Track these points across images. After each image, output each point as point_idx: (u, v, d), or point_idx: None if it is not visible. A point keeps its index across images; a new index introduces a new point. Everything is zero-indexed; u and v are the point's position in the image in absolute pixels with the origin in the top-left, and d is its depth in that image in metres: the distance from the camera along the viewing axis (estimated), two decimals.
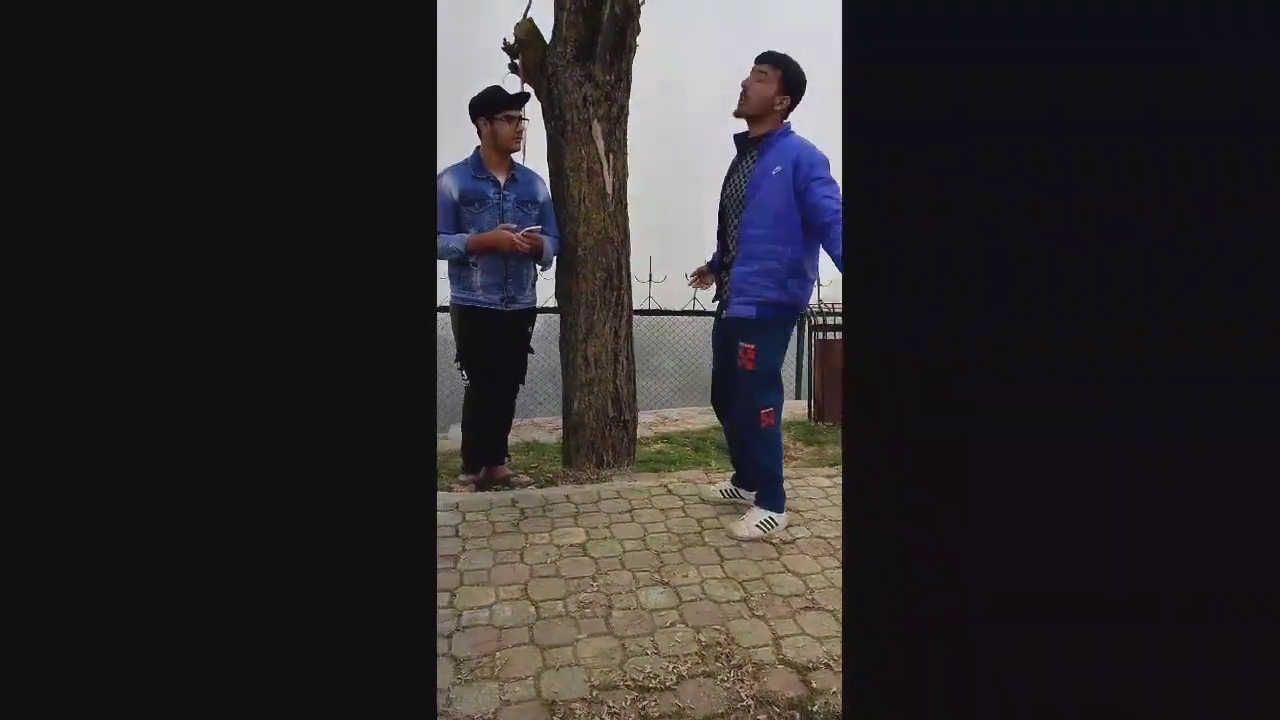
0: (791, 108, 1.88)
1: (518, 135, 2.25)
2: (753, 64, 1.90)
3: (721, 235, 2.03)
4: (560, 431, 4.00)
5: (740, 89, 1.89)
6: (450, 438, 3.17)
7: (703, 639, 1.47)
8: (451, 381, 2.43)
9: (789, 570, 1.78)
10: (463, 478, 2.48)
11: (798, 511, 2.17)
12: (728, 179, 1.98)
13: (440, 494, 2.31)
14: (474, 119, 2.27)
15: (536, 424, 3.78)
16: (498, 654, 1.40)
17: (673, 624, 1.52)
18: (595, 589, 1.67)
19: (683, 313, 4.06)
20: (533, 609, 1.57)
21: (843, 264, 1.70)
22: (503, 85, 2.32)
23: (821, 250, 1.88)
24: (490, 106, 2.21)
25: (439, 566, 1.76)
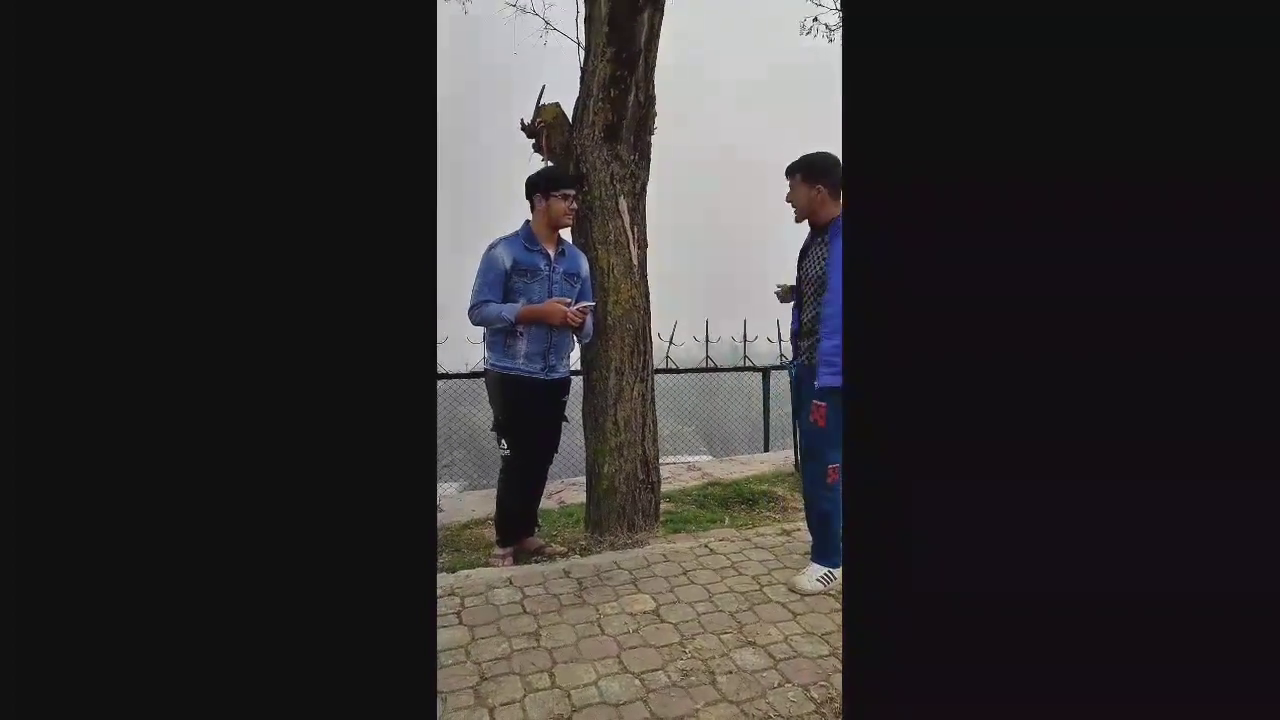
0: (835, 190, 2.07)
1: (570, 212, 2.34)
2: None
3: (798, 307, 2.20)
4: (558, 497, 3.95)
5: (790, 204, 2.14)
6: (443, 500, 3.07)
7: (814, 696, 1.51)
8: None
9: None
10: (499, 551, 2.42)
11: None
12: (802, 259, 2.18)
13: (485, 570, 2.25)
14: (529, 195, 2.35)
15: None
16: None
17: (780, 684, 1.56)
18: (689, 655, 1.68)
19: (692, 370, 4.17)
20: (638, 682, 1.57)
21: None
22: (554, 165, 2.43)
23: None
24: (549, 184, 2.31)
25: (520, 646, 1.72)
